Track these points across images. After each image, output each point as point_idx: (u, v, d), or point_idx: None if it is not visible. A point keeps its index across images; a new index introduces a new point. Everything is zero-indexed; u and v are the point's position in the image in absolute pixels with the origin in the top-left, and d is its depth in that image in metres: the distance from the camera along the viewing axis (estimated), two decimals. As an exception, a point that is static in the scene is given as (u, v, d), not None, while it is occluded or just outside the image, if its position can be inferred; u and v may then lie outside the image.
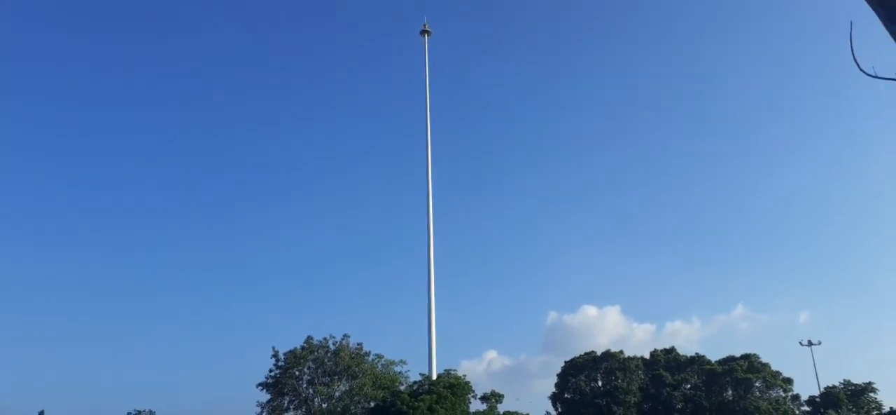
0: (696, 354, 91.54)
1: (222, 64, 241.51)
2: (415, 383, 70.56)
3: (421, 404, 61.09)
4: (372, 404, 71.23)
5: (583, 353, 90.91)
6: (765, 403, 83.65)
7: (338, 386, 76.60)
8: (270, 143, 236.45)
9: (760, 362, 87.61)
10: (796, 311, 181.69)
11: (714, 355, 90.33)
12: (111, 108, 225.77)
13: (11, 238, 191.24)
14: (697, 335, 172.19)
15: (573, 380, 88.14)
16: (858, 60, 9.69)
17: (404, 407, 60.98)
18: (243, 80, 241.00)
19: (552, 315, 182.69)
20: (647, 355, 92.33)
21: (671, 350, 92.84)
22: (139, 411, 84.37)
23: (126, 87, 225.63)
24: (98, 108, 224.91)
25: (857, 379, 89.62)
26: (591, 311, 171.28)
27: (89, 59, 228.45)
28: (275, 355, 77.47)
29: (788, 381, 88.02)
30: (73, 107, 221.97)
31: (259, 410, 77.71)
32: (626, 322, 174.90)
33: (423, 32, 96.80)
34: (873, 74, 9.60)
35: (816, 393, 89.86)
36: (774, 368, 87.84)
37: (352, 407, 74.53)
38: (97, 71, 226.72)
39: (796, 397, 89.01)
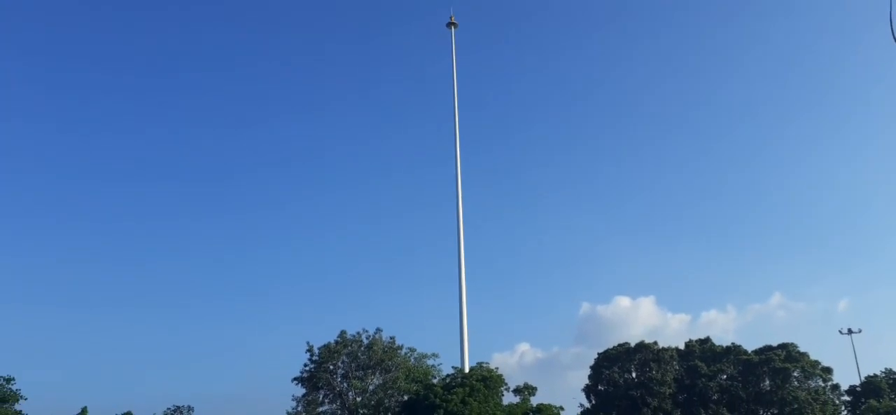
0: (732, 344, 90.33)
1: (248, 55, 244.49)
2: (447, 376, 70.77)
3: (454, 397, 61.22)
4: (405, 398, 71.66)
5: (616, 344, 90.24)
6: (803, 393, 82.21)
7: (371, 380, 77.27)
8: (299, 135, 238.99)
9: (798, 352, 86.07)
10: (835, 299, 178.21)
11: (750, 345, 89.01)
12: (137, 102, 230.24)
13: (53, 231, 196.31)
14: (733, 325, 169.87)
15: (607, 372, 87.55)
16: (896, 31, 9.53)
17: (437, 400, 61.17)
18: (269, 71, 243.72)
19: (585, 306, 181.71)
20: (681, 346, 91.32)
21: (706, 340, 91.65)
22: (178, 407, 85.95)
23: (143, 78, 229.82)
24: (131, 101, 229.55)
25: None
26: (624, 302, 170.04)
27: (109, 50, 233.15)
28: (309, 350, 78.50)
29: (828, 370, 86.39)
30: (97, 99, 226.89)
31: (294, 404, 78.86)
32: (661, 313, 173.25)
33: (450, 25, 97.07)
34: (913, 50, 9.44)
35: (857, 382, 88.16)
36: (813, 357, 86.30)
37: (386, 400, 75.12)
38: (121, 60, 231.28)
39: (836, 387, 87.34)
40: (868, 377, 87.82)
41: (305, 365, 78.30)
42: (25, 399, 72.90)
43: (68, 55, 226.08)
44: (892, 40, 9.51)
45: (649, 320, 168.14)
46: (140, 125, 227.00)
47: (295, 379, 78.40)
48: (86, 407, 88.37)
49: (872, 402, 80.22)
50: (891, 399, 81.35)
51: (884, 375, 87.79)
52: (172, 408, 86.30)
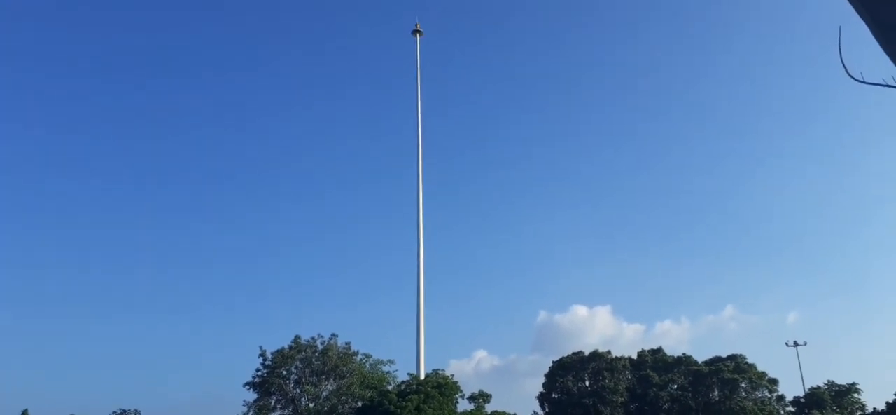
0: (683, 354, 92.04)
1: (210, 62, 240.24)
2: (403, 382, 70.54)
3: (408, 404, 61.06)
4: (359, 404, 71.09)
5: (571, 353, 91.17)
6: (750, 403, 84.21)
7: (325, 386, 76.44)
8: (257, 141, 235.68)
9: (746, 363, 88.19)
10: (784, 311, 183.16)
11: (703, 356, 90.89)
12: (82, 104, 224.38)
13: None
14: (687, 335, 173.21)
15: (561, 380, 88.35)
16: (847, 65, 9.77)
17: (392, 407, 60.93)
18: (228, 78, 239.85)
19: (542, 314, 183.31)
20: (634, 356, 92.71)
21: (658, 350, 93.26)
22: (124, 411, 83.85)
23: (97, 81, 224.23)
24: (77, 104, 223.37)
25: (842, 380, 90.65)
26: (581, 310, 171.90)
27: (87, 58, 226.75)
28: (262, 355, 77.24)
29: (774, 381, 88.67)
30: (65, 104, 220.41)
31: (245, 409, 77.48)
32: (617, 322, 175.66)
33: (415, 32, 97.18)
34: (861, 80, 9.68)
35: (802, 394, 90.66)
36: (761, 368, 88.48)
37: (339, 407, 74.42)
38: (87, 69, 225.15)
39: (781, 398, 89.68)
40: (812, 389, 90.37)
41: (257, 370, 77.10)
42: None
43: (53, 57, 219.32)
44: (842, 67, 9.69)
45: (605, 329, 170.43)
46: (89, 127, 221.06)
47: (246, 384, 77.10)
48: (26, 410, 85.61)
49: (815, 413, 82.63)
50: (833, 410, 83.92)
51: (827, 386, 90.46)
52: (118, 411, 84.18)
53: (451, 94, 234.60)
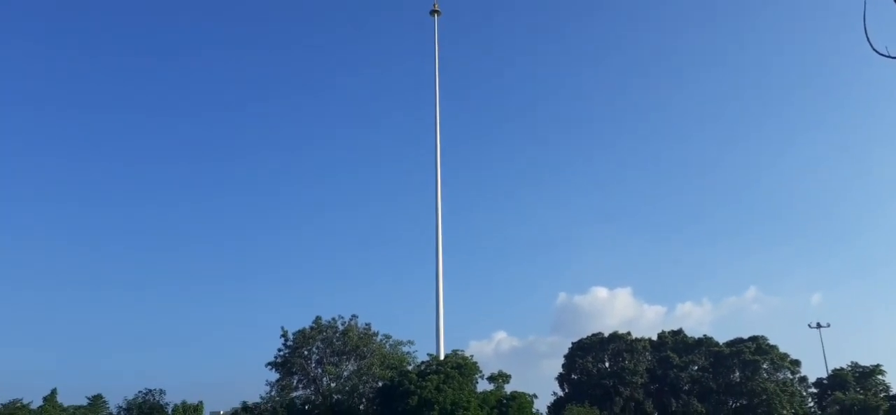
0: (704, 335, 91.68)
1: (230, 43, 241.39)
2: (422, 363, 70.97)
3: (428, 383, 61.49)
4: (380, 384, 71.72)
5: (590, 334, 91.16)
6: (772, 384, 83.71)
7: (346, 366, 77.10)
8: (278, 122, 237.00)
9: (768, 344, 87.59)
10: (808, 292, 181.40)
11: (725, 338, 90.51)
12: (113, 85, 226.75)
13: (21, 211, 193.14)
14: (708, 317, 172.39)
15: (580, 361, 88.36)
16: (872, 41, 9.64)
17: (412, 387, 61.41)
18: (249, 59, 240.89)
19: (562, 296, 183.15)
20: (655, 338, 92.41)
21: (679, 332, 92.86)
22: (149, 390, 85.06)
23: (126, 60, 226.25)
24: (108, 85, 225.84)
25: (867, 361, 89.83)
26: (601, 292, 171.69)
27: (122, 34, 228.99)
28: (284, 335, 78.05)
29: (796, 363, 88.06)
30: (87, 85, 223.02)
31: (268, 388, 78.52)
32: (637, 304, 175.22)
33: (433, 12, 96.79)
34: (887, 54, 9.53)
35: (824, 375, 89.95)
36: (783, 350, 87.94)
37: (360, 386, 75.07)
38: (110, 46, 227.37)
39: (804, 379, 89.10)
40: (835, 370, 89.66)
41: (279, 350, 77.91)
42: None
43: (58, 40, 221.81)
44: (867, 44, 9.55)
45: (625, 311, 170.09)
46: (117, 107, 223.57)
47: (269, 364, 77.99)
48: (55, 388, 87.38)
49: (838, 394, 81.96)
50: (856, 392, 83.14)
51: (850, 368, 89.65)
52: (144, 391, 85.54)
53: (470, 75, 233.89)
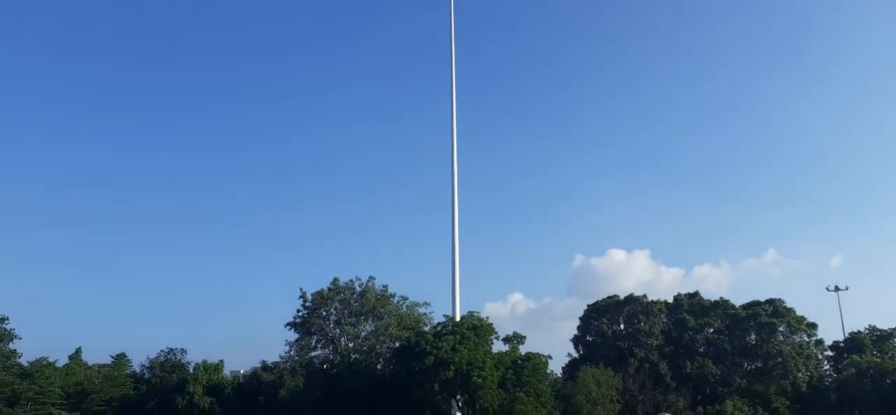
0: (721, 298, 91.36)
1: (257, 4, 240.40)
2: (438, 324, 71.68)
3: (444, 344, 62.16)
4: (397, 344, 72.67)
5: (606, 296, 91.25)
6: (787, 347, 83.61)
7: (363, 326, 78.18)
8: (297, 84, 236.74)
9: (785, 307, 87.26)
10: (827, 255, 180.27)
11: (742, 300, 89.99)
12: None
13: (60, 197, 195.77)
14: (726, 280, 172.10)
15: (595, 323, 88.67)
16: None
17: (428, 347, 62.14)
18: (268, 14, 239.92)
19: (579, 258, 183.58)
20: (671, 300, 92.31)
21: (695, 294, 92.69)
22: (171, 349, 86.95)
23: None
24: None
25: (884, 325, 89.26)
26: (618, 255, 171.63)
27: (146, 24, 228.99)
28: (303, 297, 79.16)
29: (813, 326, 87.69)
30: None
31: (287, 348, 79.91)
32: (654, 266, 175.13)
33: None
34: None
35: (841, 338, 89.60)
36: (800, 313, 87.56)
37: (377, 346, 76.15)
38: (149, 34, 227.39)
39: (820, 342, 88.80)
40: (852, 334, 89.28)
41: (298, 311, 79.17)
42: (20, 339, 73.83)
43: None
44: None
45: (643, 273, 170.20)
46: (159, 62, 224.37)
47: (288, 324, 79.34)
48: (80, 347, 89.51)
49: (854, 357, 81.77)
50: (873, 355, 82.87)
51: (867, 331, 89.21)
52: (166, 350, 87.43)
53: (485, 32, 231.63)
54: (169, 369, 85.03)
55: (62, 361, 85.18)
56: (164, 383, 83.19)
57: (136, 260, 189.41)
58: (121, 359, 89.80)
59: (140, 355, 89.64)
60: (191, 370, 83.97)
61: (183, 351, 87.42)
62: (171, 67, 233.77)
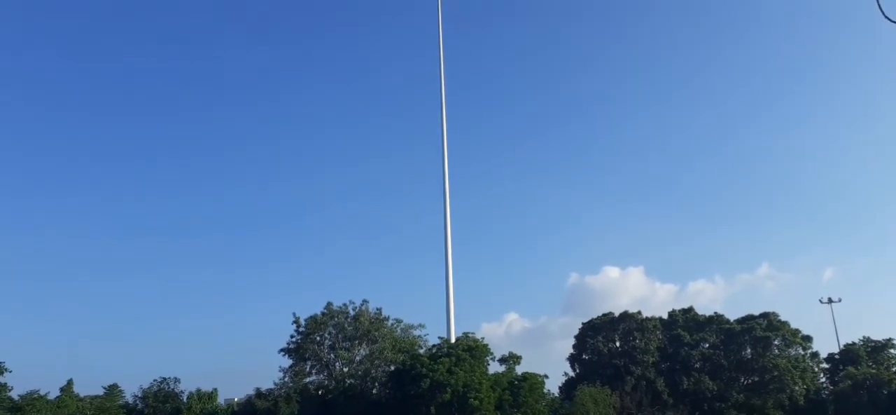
0: (715, 313, 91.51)
1: (245, 28, 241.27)
2: (434, 346, 71.37)
3: (440, 366, 61.86)
4: (392, 368, 72.17)
5: (601, 314, 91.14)
6: (783, 360, 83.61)
7: (358, 350, 77.53)
8: (284, 111, 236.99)
9: (779, 320, 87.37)
10: (821, 268, 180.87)
11: (737, 315, 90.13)
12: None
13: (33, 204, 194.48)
14: (721, 295, 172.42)
15: (591, 341, 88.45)
16: (883, 7, 9.56)
17: (423, 370, 61.81)
18: (248, 48, 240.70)
19: (573, 276, 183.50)
20: (665, 316, 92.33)
21: (689, 310, 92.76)
22: (165, 379, 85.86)
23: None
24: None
25: (878, 336, 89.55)
26: (613, 272, 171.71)
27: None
28: (296, 322, 78.50)
29: (808, 338, 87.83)
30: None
31: (281, 375, 79.11)
32: (649, 283, 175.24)
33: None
34: (896, 21, 9.47)
35: (836, 350, 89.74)
36: (796, 326, 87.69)
37: (372, 370, 75.55)
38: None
39: (815, 355, 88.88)
40: (847, 345, 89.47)
41: (292, 336, 78.38)
42: (10, 371, 72.84)
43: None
44: (880, 12, 9.50)
45: (637, 290, 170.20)
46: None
47: (281, 350, 78.52)
48: (71, 379, 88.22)
49: (850, 369, 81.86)
50: (868, 366, 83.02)
51: (862, 343, 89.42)
52: (159, 379, 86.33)
53: (476, 59, 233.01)
54: (162, 398, 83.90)
55: (54, 393, 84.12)
56: (157, 413, 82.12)
57: (127, 291, 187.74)
58: (113, 390, 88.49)
59: (133, 386, 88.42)
60: (184, 399, 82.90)
61: (176, 380, 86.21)
62: (158, 112, 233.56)
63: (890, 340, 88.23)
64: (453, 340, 70.86)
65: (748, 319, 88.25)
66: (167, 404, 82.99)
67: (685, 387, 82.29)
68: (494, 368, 68.74)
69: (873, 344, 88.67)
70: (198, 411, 79.91)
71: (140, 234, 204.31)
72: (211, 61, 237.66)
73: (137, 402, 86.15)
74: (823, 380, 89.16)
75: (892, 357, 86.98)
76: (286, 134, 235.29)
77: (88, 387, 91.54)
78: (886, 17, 9.80)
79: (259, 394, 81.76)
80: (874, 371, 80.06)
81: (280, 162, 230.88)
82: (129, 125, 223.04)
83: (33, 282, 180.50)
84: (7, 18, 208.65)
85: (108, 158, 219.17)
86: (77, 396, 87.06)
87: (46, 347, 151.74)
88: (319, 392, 76.07)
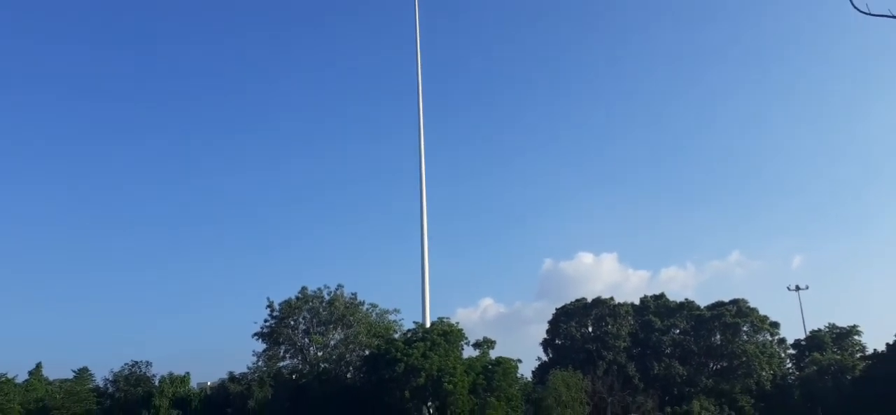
0: (686, 299, 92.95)
1: (226, 27, 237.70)
2: (408, 331, 71.56)
3: (415, 351, 62.12)
4: (367, 353, 72.28)
5: (574, 300, 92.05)
6: (752, 346, 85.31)
7: (333, 335, 77.50)
8: (262, 98, 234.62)
9: (748, 307, 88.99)
10: (789, 255, 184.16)
11: (708, 302, 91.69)
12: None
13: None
14: (693, 281, 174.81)
15: (564, 326, 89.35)
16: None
17: (398, 354, 62.02)
18: (232, 40, 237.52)
19: (548, 262, 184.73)
20: (638, 302, 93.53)
21: (661, 296, 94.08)
22: (136, 362, 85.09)
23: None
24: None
25: (845, 322, 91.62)
26: (586, 258, 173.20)
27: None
28: (270, 306, 78.06)
29: (775, 325, 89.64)
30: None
31: (255, 359, 78.78)
32: (622, 269, 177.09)
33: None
34: (867, 12, 9.69)
35: (803, 336, 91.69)
36: (763, 312, 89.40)
37: (347, 355, 75.61)
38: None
39: (783, 341, 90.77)
40: (813, 331, 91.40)
41: (266, 321, 78.04)
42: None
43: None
44: (852, 6, 9.72)
45: (611, 276, 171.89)
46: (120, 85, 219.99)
47: (255, 335, 78.15)
48: (40, 362, 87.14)
49: (816, 355, 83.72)
50: (833, 352, 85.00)
51: (827, 329, 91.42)
52: (130, 363, 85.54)
53: (453, 45, 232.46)
54: (134, 382, 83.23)
55: (22, 376, 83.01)
56: (128, 398, 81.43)
57: (99, 272, 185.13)
58: (83, 373, 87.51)
59: (103, 370, 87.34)
60: (156, 383, 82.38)
61: (148, 364, 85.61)
62: (149, 87, 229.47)
63: (855, 326, 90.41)
64: (428, 325, 71.11)
65: (718, 305, 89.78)
66: (139, 388, 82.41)
67: (656, 372, 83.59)
68: (469, 352, 69.21)
69: (838, 331, 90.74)
70: (170, 395, 79.51)
71: (113, 223, 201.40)
72: (186, 49, 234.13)
73: (108, 385, 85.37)
74: (790, 366, 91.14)
75: (857, 343, 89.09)
76: (261, 120, 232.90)
77: (58, 370, 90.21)
78: (855, 7, 10.04)
79: (232, 378, 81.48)
80: (838, 357, 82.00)
81: (254, 149, 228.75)
82: (104, 112, 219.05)
83: (2, 265, 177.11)
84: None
85: (77, 145, 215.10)
86: (46, 379, 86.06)
87: (15, 329, 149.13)
88: (293, 376, 75.99)
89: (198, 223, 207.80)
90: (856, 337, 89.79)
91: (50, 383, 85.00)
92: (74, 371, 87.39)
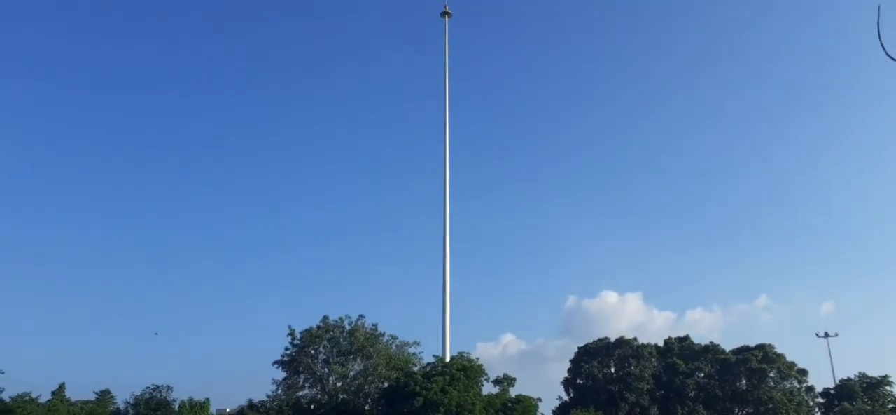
0: (711, 343, 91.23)
1: (229, 31, 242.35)
2: (428, 364, 71.10)
3: (434, 385, 61.60)
4: (385, 385, 71.88)
5: (596, 339, 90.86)
6: (778, 393, 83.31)
7: (352, 366, 77.25)
8: (285, 120, 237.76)
9: (775, 353, 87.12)
10: (819, 301, 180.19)
11: (733, 345, 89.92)
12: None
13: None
14: (719, 324, 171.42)
15: (586, 366, 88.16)
16: (885, 45, 9.70)
17: (417, 388, 61.54)
18: (247, 52, 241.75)
19: (571, 300, 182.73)
20: (661, 343, 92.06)
21: (685, 338, 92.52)
22: (157, 386, 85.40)
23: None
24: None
25: (875, 372, 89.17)
26: (610, 297, 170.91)
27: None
28: (291, 334, 78.26)
29: (803, 372, 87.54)
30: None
31: (274, 387, 78.74)
32: (647, 309, 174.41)
33: (444, 14, 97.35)
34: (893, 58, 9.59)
35: (832, 385, 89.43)
36: (790, 359, 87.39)
37: (366, 386, 75.23)
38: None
39: (811, 389, 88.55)
40: (842, 380, 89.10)
41: (286, 349, 78.15)
42: (2, 373, 72.60)
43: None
44: (881, 48, 9.61)
45: (635, 316, 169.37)
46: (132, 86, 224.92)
47: (276, 363, 78.24)
48: (64, 383, 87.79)
49: (845, 405, 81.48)
50: (864, 402, 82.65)
51: (858, 378, 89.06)
52: (151, 387, 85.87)
53: (480, 76, 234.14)
54: (154, 406, 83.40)
55: (45, 396, 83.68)
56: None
57: (123, 296, 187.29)
58: (105, 395, 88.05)
59: (124, 392, 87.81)
60: (176, 408, 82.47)
61: (169, 388, 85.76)
62: (159, 104, 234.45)
63: (886, 376, 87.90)
64: (448, 359, 70.65)
65: (744, 350, 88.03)
66: (159, 412, 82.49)
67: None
68: (488, 389, 68.49)
69: (869, 380, 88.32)
70: (189, 421, 79.39)
71: (135, 242, 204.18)
72: (208, 53, 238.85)
73: (129, 408, 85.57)
74: (818, 414, 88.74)
75: (888, 394, 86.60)
76: (283, 143, 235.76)
77: (81, 391, 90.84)
78: (888, 55, 9.94)
79: (251, 405, 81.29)
80: (869, 408, 79.74)
81: (278, 172, 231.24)
82: (117, 123, 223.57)
83: (30, 283, 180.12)
84: None
85: (109, 152, 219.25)
86: (68, 400, 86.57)
87: (40, 349, 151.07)
88: (312, 406, 75.66)
89: (220, 247, 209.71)
90: (887, 387, 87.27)
91: (72, 405, 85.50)
92: (96, 393, 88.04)
